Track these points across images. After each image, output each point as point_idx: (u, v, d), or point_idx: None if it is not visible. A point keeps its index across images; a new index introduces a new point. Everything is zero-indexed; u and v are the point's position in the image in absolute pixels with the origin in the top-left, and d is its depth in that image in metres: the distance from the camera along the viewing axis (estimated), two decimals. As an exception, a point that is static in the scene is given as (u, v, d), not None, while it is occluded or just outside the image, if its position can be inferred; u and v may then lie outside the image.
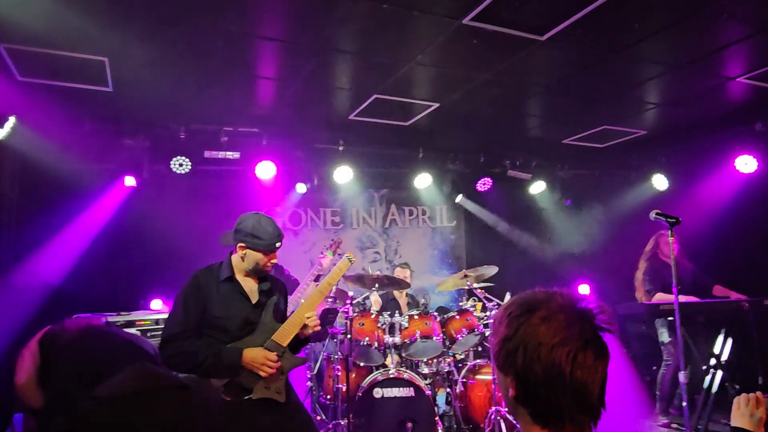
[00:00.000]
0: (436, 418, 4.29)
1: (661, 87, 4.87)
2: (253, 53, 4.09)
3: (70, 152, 4.99)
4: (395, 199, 7.60)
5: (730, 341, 4.44)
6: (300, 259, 6.88)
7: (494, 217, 7.55)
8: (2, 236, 4.89)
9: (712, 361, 4.47)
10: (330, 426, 4.54)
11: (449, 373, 4.83)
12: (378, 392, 4.24)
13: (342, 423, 4.34)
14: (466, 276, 4.94)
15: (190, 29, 3.62)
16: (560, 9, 3.44)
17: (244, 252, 2.79)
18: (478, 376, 4.71)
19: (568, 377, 1.09)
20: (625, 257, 5.82)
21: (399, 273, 5.66)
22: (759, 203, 5.72)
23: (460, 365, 4.95)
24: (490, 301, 4.77)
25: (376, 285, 4.76)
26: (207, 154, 5.56)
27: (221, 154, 5.59)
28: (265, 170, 5.79)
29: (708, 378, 4.44)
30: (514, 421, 4.04)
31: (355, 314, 4.56)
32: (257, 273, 2.87)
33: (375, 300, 5.35)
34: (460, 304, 5.06)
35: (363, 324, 4.56)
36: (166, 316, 2.79)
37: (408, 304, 5.62)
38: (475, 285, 4.90)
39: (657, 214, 3.63)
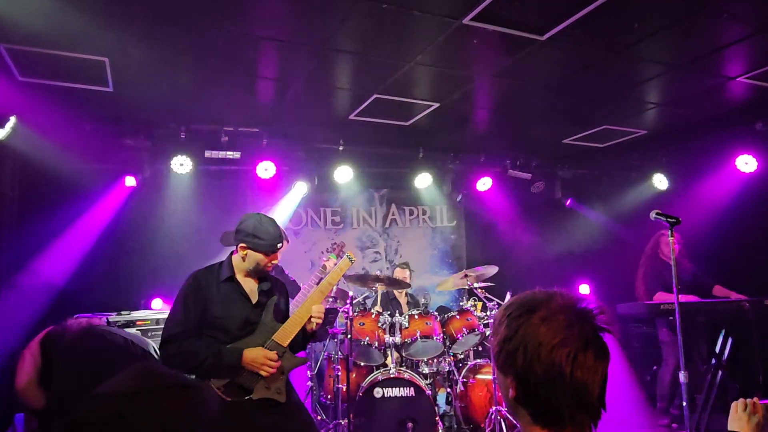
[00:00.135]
0: (437, 418, 4.29)
1: (662, 87, 4.86)
2: (253, 53, 4.08)
3: (71, 152, 4.99)
4: (395, 199, 7.60)
5: (730, 341, 4.44)
6: (300, 259, 6.88)
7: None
8: (2, 236, 4.89)
9: (712, 361, 4.47)
10: (330, 426, 4.54)
11: (449, 372, 4.84)
12: (378, 392, 4.24)
13: (342, 423, 4.35)
14: (466, 276, 4.95)
15: (191, 29, 3.63)
16: (560, 9, 3.44)
17: (245, 252, 2.79)
18: (479, 376, 4.71)
19: (569, 377, 1.10)
20: (625, 257, 5.82)
21: (399, 273, 5.66)
22: (759, 203, 5.71)
23: (460, 365, 4.96)
24: (491, 300, 4.77)
25: (377, 285, 4.77)
26: (207, 154, 5.57)
27: (222, 154, 5.59)
28: (266, 170, 5.80)
29: (708, 378, 4.45)
30: (515, 421, 4.04)
31: (356, 314, 4.57)
32: (258, 273, 2.87)
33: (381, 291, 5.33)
34: (461, 303, 5.07)
35: (363, 324, 4.57)
36: (166, 315, 2.79)
37: (408, 303, 5.63)
38: (476, 285, 4.90)
39: (657, 214, 3.62)
